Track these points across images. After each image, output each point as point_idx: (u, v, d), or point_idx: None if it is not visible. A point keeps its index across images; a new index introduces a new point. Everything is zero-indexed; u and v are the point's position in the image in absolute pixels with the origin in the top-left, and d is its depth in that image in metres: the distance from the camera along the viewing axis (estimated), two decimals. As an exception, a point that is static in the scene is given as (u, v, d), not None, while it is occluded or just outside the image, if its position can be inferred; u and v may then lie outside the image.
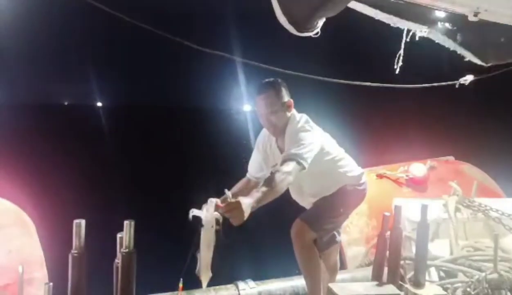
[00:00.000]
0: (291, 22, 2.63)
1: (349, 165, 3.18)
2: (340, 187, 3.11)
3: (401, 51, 3.36)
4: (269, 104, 2.93)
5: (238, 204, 2.30)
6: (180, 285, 2.77)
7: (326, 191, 3.12)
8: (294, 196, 3.24)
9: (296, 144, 2.77)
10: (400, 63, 3.38)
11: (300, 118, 2.98)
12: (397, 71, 3.38)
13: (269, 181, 2.55)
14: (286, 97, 2.98)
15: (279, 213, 3.30)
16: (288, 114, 3.00)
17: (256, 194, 2.45)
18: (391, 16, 3.10)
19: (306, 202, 3.22)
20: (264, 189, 2.51)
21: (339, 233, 3.34)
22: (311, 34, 2.80)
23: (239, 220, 2.31)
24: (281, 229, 3.22)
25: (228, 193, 2.52)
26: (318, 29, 2.81)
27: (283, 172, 2.61)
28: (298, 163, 2.69)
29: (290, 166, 2.66)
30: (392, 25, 3.18)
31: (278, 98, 2.94)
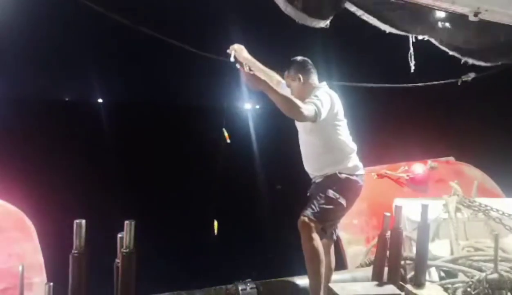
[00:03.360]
0: (299, 8, 2.64)
1: (349, 152, 3.34)
2: (332, 173, 3.27)
3: (411, 51, 3.36)
4: (285, 80, 3.53)
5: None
6: None
7: (320, 164, 3.32)
8: (303, 159, 3.49)
9: (313, 97, 3.19)
10: (413, 61, 3.39)
11: (328, 89, 3.38)
12: (412, 70, 3.40)
13: (293, 98, 3.09)
14: (296, 74, 3.42)
15: (279, 214, 3.31)
16: (301, 85, 3.40)
17: (275, 87, 3.08)
18: (387, 26, 3.11)
19: (308, 167, 3.43)
20: (284, 93, 3.09)
21: (335, 232, 3.46)
22: (321, 24, 2.80)
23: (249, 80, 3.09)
24: (281, 230, 3.24)
25: (247, 68, 3.20)
26: (328, 22, 2.82)
27: (303, 104, 3.06)
28: (316, 108, 3.07)
29: (309, 106, 3.07)
30: (387, 31, 3.19)
31: (288, 75, 3.48)
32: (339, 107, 3.36)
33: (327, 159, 3.31)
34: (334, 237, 3.45)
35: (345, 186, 3.27)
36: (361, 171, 3.37)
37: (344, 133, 3.36)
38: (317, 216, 3.16)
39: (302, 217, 3.17)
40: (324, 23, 2.81)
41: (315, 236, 3.12)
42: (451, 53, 3.40)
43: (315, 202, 3.22)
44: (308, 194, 3.39)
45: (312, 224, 3.12)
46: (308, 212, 3.17)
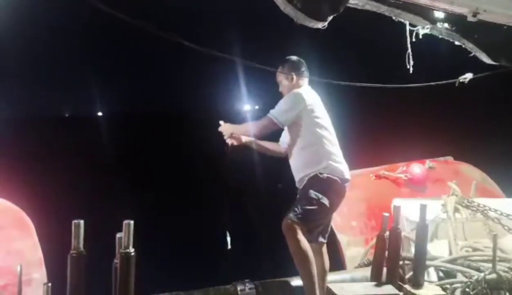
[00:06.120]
0: (298, 8, 2.65)
1: (331, 152, 3.36)
2: (313, 174, 3.29)
3: (409, 51, 3.36)
4: (277, 76, 3.62)
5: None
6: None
7: (302, 162, 3.38)
8: (290, 163, 3.55)
9: (277, 105, 3.45)
10: (412, 62, 3.39)
11: (302, 90, 3.49)
12: (410, 71, 3.40)
13: (250, 123, 3.55)
14: (290, 73, 3.53)
15: (278, 214, 3.31)
16: (291, 85, 3.52)
17: (239, 125, 3.53)
18: (393, 9, 3.09)
19: (293, 169, 3.49)
20: (246, 125, 3.55)
21: (323, 234, 3.45)
22: (319, 25, 2.81)
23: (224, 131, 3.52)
24: (280, 230, 3.24)
25: (221, 122, 3.55)
26: (326, 23, 2.83)
27: (256, 122, 3.49)
28: (270, 114, 3.37)
29: (263, 120, 3.42)
30: (394, 18, 3.17)
31: (281, 72, 3.57)
32: (315, 105, 3.44)
33: (308, 154, 3.36)
34: (321, 239, 3.44)
35: (326, 185, 3.28)
36: (346, 175, 3.38)
37: (324, 131, 3.40)
38: (300, 217, 3.17)
39: (285, 220, 3.18)
40: (321, 24, 2.82)
41: (301, 237, 3.13)
42: (456, 42, 3.40)
43: (298, 204, 3.25)
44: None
45: (296, 226, 3.14)
46: (291, 214, 3.19)
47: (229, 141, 3.55)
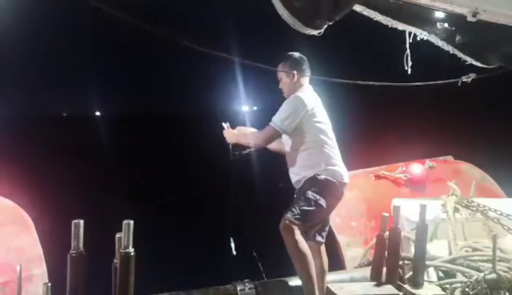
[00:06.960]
0: (295, 16, 2.66)
1: (330, 155, 3.36)
2: (311, 176, 3.29)
3: (408, 52, 3.37)
4: (277, 73, 3.57)
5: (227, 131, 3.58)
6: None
7: (300, 164, 3.37)
8: (288, 166, 3.54)
9: (278, 112, 3.39)
10: (410, 63, 3.40)
11: (303, 93, 3.42)
12: (409, 72, 3.41)
13: (253, 133, 3.53)
14: (291, 70, 3.48)
15: (277, 213, 3.32)
16: (292, 83, 3.49)
17: (242, 134, 3.55)
18: (389, 19, 3.11)
19: (291, 171, 3.48)
20: (249, 135, 3.51)
21: (321, 234, 3.46)
22: (315, 32, 2.82)
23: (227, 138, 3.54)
24: (279, 230, 3.24)
25: (225, 125, 3.58)
26: (322, 29, 2.84)
27: (259, 133, 3.47)
28: (273, 124, 3.34)
29: (266, 129, 3.39)
30: (390, 26, 3.19)
31: (283, 69, 3.52)
32: (316, 109, 3.41)
33: (307, 157, 3.35)
34: (319, 238, 3.45)
35: (324, 187, 3.28)
36: (344, 179, 3.38)
37: (324, 135, 3.39)
38: (297, 218, 3.17)
39: (283, 220, 3.18)
40: (317, 32, 2.84)
41: (299, 238, 3.14)
42: (451, 52, 3.42)
43: (295, 205, 3.25)
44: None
45: (294, 227, 3.14)
46: (289, 214, 3.18)
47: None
